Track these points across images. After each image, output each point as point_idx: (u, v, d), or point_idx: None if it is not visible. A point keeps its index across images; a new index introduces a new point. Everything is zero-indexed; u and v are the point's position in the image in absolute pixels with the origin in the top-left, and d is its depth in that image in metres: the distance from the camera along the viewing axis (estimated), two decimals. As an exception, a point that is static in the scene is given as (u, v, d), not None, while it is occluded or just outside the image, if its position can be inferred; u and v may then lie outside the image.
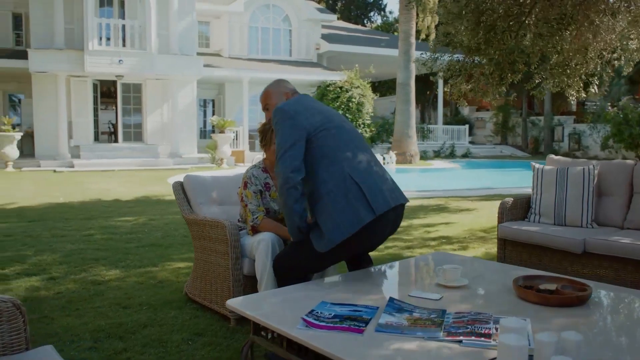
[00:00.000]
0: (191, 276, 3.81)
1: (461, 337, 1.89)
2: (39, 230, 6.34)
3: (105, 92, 19.97)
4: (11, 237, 5.92)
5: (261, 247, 3.14)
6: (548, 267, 3.87)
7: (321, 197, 2.59)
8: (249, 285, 3.32)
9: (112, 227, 6.65)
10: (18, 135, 15.50)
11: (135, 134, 18.77)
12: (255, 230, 3.28)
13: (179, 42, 18.15)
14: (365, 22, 40.60)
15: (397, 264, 3.09)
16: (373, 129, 21.75)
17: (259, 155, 14.43)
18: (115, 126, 19.74)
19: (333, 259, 2.75)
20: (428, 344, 1.87)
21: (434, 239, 5.94)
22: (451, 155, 23.73)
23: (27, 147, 17.97)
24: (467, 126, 25.72)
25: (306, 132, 2.64)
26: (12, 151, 15.29)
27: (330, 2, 38.80)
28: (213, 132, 18.42)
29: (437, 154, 23.70)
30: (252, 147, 20.44)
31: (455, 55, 6.96)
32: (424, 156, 22.39)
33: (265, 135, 3.38)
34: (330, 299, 2.34)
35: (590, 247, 3.64)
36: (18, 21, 19.22)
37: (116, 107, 18.87)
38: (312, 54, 23.53)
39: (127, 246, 5.50)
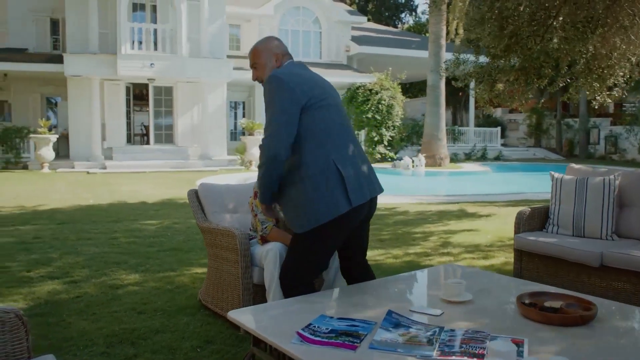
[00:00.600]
0: (205, 283, 3.87)
1: (454, 357, 1.88)
2: (67, 232, 6.52)
3: (138, 94, 20.38)
4: (40, 240, 6.10)
5: (269, 256, 3.17)
6: (565, 280, 3.79)
7: (302, 179, 2.59)
8: (259, 294, 3.35)
9: (137, 230, 6.78)
10: (54, 138, 15.95)
11: (167, 136, 19.10)
12: (264, 240, 3.31)
13: (209, 46, 18.39)
14: (396, 23, 40.39)
15: (404, 276, 3.08)
16: (403, 131, 21.64)
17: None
18: (147, 128, 20.12)
19: (320, 246, 2.68)
20: (419, 363, 1.86)
21: (454, 247, 5.87)
22: (482, 158, 23.41)
23: (62, 149, 18.48)
24: (499, 128, 25.30)
25: (301, 106, 2.59)
26: (48, 153, 15.75)
27: (362, 3, 38.70)
28: (243, 134, 18.62)
29: (468, 157, 23.41)
30: (281, 149, 20.51)
31: (480, 60, 6.87)
32: (454, 159, 22.15)
33: None
34: (330, 313, 2.35)
35: (607, 261, 3.54)
36: (55, 26, 19.78)
37: (148, 109, 19.24)
38: (342, 56, 23.55)
39: (148, 250, 5.60)
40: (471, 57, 7.08)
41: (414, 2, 41.14)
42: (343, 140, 2.68)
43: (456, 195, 11.65)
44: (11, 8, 19.23)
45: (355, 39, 23.61)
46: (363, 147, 20.95)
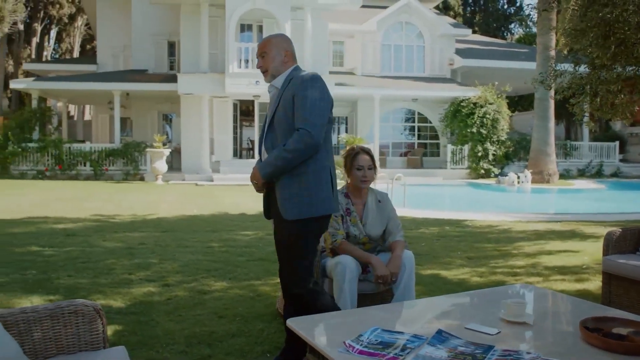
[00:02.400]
0: (282, 292, 4.01)
1: (495, 377, 1.85)
2: (168, 240, 7.02)
3: (245, 110, 21.39)
4: (144, 246, 6.62)
5: (338, 269, 3.25)
6: (658, 307, 3.51)
7: (306, 172, 2.78)
8: (330, 304, 3.43)
9: (232, 240, 7.14)
10: (167, 151, 17.19)
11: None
12: (334, 253, 3.40)
13: (312, 63, 18.93)
14: (505, 34, 39.06)
15: (469, 293, 3.03)
16: (509, 146, 20.87)
17: (383, 173, 14.54)
18: (253, 143, 21.03)
19: (309, 239, 2.88)
20: (458, 380, 1.85)
21: (547, 268, 5.60)
22: (598, 174, 21.92)
23: (176, 162, 19.83)
24: (617, 143, 23.55)
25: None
26: (162, 165, 16.97)
27: (468, 15, 37.89)
28: (345, 148, 18.90)
29: (582, 173, 22.04)
30: (382, 164, 20.60)
31: (579, 72, 6.50)
32: (565, 175, 20.96)
33: (347, 161, 3.50)
34: (384, 326, 2.38)
35: None
36: (172, 48, 21.37)
37: (254, 125, 20.13)
38: (446, 69, 23.21)
39: (238, 259, 5.90)
40: (570, 68, 6.73)
41: (523, 12, 39.55)
42: (332, 154, 2.96)
43: (562, 213, 11.03)
44: (135, 33, 21.06)
45: (459, 52, 23.19)
46: (466, 162, 20.51)
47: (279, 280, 4.94)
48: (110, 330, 3.61)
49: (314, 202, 2.77)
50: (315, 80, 2.81)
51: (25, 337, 2.05)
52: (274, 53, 2.93)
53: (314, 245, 2.93)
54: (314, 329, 2.43)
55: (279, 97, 2.87)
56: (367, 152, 3.53)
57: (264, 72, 2.96)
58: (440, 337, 2.21)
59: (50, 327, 2.09)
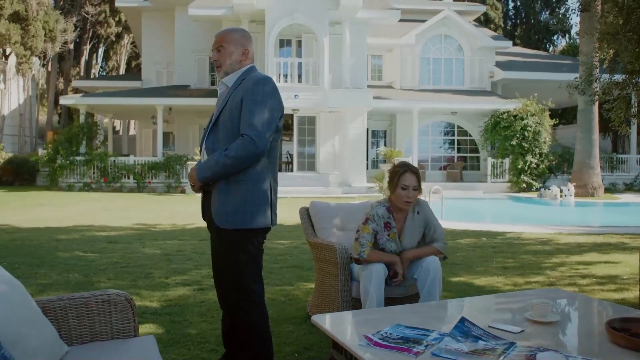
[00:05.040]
0: (312, 295, 4.07)
1: (513, 369, 1.85)
2: (205, 248, 7.16)
3: (284, 124, 21.58)
4: (181, 253, 6.79)
5: (365, 272, 3.29)
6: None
7: (246, 181, 2.64)
8: (358, 307, 3.46)
9: (267, 248, 7.16)
10: (208, 164, 17.51)
11: (309, 163, 19.99)
12: (359, 263, 3.40)
13: (350, 76, 19.06)
14: (547, 46, 38.38)
15: (499, 295, 3.02)
16: (553, 160, 20.43)
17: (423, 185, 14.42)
18: (292, 156, 21.25)
19: (250, 248, 2.72)
20: (475, 371, 1.86)
21: (584, 277, 5.47)
22: (647, 188, 21.20)
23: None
24: (667, 156, 22.72)
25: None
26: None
27: (509, 28, 37.44)
28: (384, 162, 18.89)
29: (629, 187, 21.35)
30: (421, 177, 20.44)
31: (614, 77, 6.38)
32: (611, 189, 20.36)
33: (393, 177, 3.47)
34: (407, 322, 2.40)
35: None
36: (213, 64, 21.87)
37: (293, 138, 20.35)
38: (486, 82, 22.98)
39: (272, 266, 5.98)
40: (605, 75, 6.61)
41: (566, 23, 38.80)
42: (276, 165, 2.83)
43: (605, 226, 10.71)
44: (178, 50, 21.67)
45: (499, 65, 22.94)
46: (507, 175, 20.16)
47: (310, 285, 5.04)
48: (145, 328, 3.74)
49: (248, 213, 2.63)
50: (267, 85, 2.67)
51: (61, 322, 2.16)
52: (231, 49, 2.77)
53: (250, 260, 2.74)
54: (338, 325, 2.48)
55: (228, 97, 2.73)
56: (415, 171, 3.40)
57: (218, 67, 2.81)
58: (463, 327, 2.22)
59: (85, 314, 2.21)
